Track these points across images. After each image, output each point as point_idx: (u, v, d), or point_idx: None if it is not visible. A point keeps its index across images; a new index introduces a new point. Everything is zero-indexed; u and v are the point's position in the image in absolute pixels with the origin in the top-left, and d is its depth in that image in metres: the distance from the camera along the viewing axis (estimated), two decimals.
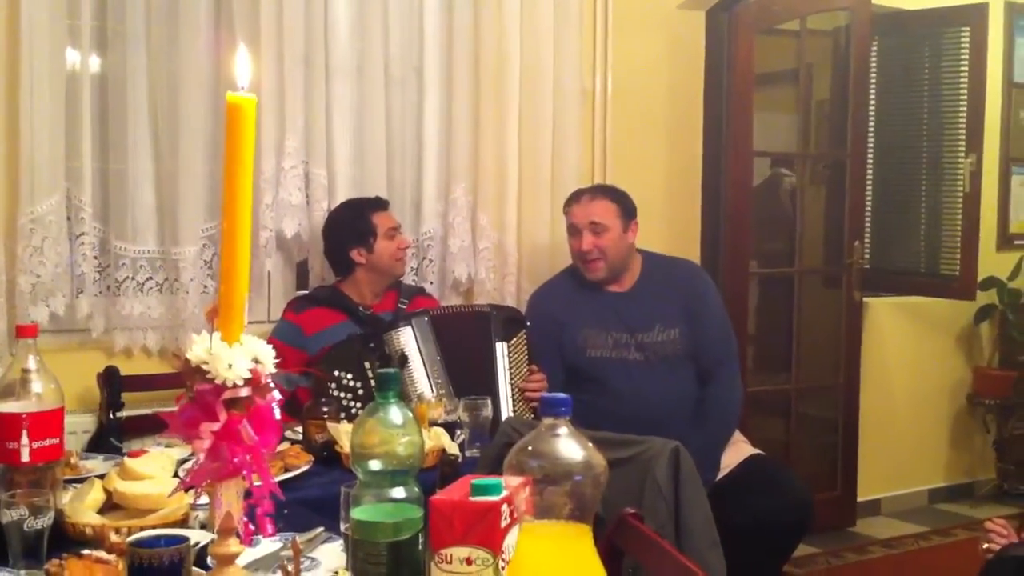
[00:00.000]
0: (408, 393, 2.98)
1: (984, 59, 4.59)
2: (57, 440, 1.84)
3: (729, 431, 3.33)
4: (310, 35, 3.40)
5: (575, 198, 3.44)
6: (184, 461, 2.21)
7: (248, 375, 1.22)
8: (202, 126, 3.24)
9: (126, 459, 2.05)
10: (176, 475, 2.05)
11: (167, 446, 2.40)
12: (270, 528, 1.28)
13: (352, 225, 3.32)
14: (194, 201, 3.25)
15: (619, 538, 1.72)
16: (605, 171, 4.06)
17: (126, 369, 3.15)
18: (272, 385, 1.26)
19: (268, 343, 1.27)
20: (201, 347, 1.21)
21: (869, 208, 4.80)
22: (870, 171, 4.78)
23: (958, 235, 4.68)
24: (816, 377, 4.79)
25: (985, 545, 2.57)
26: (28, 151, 3.00)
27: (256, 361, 1.23)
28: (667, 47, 4.25)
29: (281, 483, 1.60)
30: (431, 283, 3.70)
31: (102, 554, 1.59)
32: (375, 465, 1.36)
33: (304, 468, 2.38)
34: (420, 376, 3.07)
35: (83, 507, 1.85)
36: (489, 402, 2.80)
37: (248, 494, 1.27)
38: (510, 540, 1.25)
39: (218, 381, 1.21)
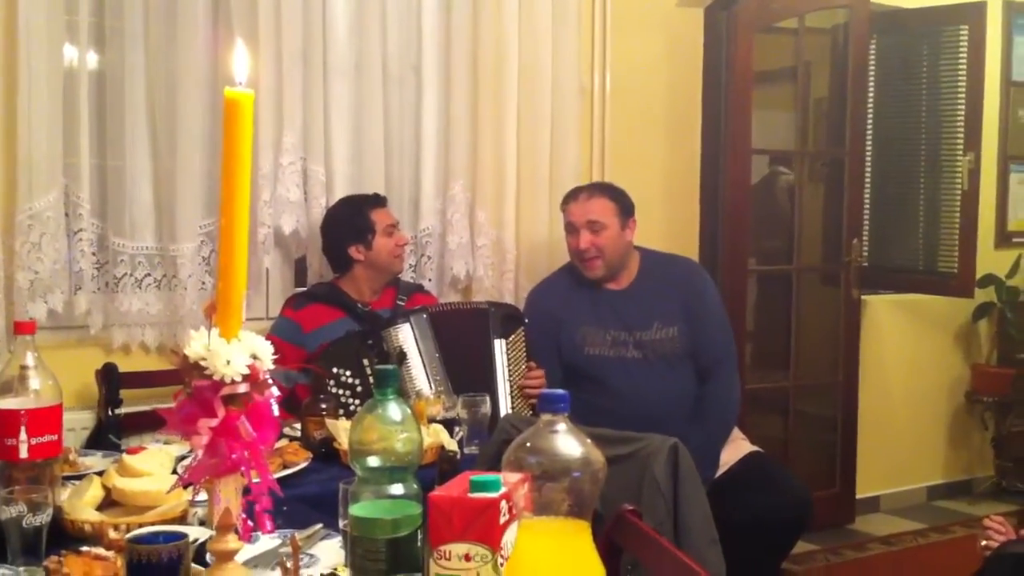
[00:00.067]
0: (407, 390, 2.98)
1: (982, 57, 4.59)
2: (55, 437, 1.84)
3: (728, 429, 3.33)
4: (308, 32, 3.40)
5: (573, 196, 3.44)
6: (183, 458, 2.20)
7: (246, 371, 1.22)
8: (200, 123, 3.24)
9: (125, 456, 2.06)
10: (175, 472, 2.05)
11: (166, 443, 2.41)
12: (269, 525, 1.28)
13: (350, 222, 3.32)
14: (192, 198, 3.25)
15: (617, 535, 1.72)
16: (603, 169, 4.06)
17: (124, 366, 3.15)
18: (270, 381, 1.26)
19: (267, 340, 1.27)
20: (199, 343, 1.21)
21: (867, 206, 4.80)
22: (868, 169, 4.78)
23: (956, 233, 4.68)
24: (815, 375, 4.79)
25: (983, 542, 2.57)
26: (26, 148, 3.00)
27: (254, 357, 1.23)
28: (666, 45, 4.25)
29: (280, 480, 1.60)
30: (429, 280, 3.70)
31: (101, 551, 1.59)
32: (374, 462, 1.36)
33: (303, 465, 2.38)
34: (419, 373, 3.07)
35: (82, 504, 1.85)
36: (487, 399, 2.81)
37: (247, 490, 1.27)
38: (509, 536, 1.25)
39: (216, 377, 1.21)
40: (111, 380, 3.06)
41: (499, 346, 3.16)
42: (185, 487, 1.64)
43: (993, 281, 5.10)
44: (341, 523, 1.71)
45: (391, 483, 1.36)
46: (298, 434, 2.64)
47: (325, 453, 2.51)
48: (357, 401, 2.93)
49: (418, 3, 3.61)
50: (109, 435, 2.92)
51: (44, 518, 1.63)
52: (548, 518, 1.16)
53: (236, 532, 1.27)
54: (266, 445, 1.26)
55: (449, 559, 1.24)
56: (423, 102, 3.63)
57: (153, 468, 1.99)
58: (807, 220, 4.71)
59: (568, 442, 1.18)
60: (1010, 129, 5.26)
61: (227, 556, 1.28)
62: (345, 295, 3.31)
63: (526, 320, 3.29)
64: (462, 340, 3.15)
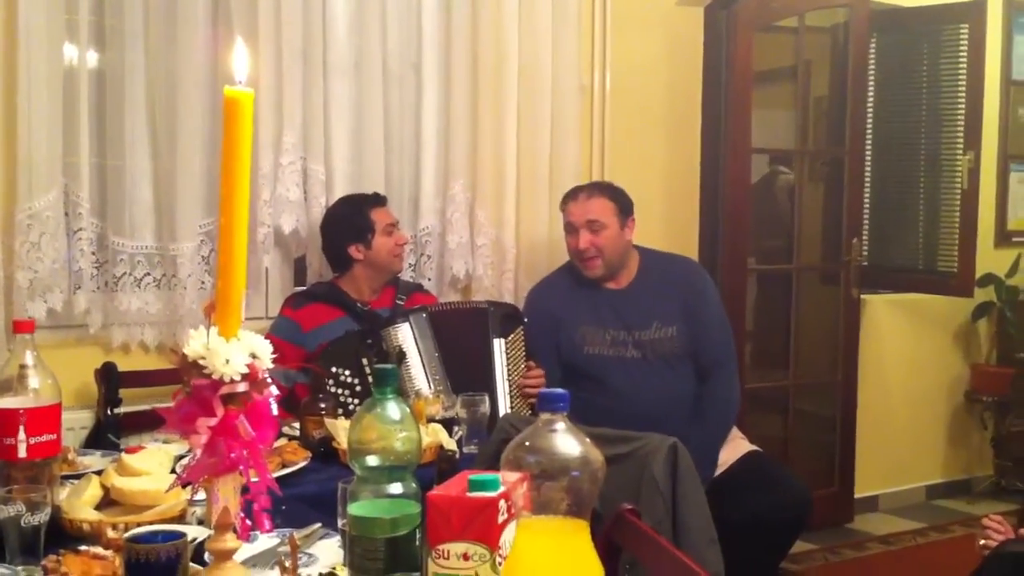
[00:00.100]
0: (406, 389, 2.98)
1: (982, 56, 4.59)
2: (54, 436, 1.84)
3: (727, 428, 3.34)
4: (308, 31, 3.39)
5: (572, 196, 3.43)
6: (182, 457, 2.20)
7: (245, 370, 1.22)
8: (200, 123, 3.24)
9: (124, 455, 2.06)
10: (174, 471, 2.05)
11: (165, 442, 2.41)
12: (267, 524, 1.28)
13: (350, 221, 3.32)
14: (192, 197, 3.25)
15: (616, 534, 1.72)
16: (603, 168, 4.06)
17: (124, 365, 3.15)
18: (269, 380, 1.26)
19: (266, 339, 1.27)
20: (198, 342, 1.21)
21: (867, 205, 4.80)
22: (868, 168, 4.78)
23: (956, 232, 4.68)
24: (814, 374, 4.79)
25: (982, 541, 2.57)
26: (26, 147, 2.99)
27: (253, 356, 1.23)
28: (665, 44, 4.25)
29: (278, 479, 1.60)
30: (429, 279, 3.70)
31: (99, 550, 1.59)
32: (373, 461, 1.36)
33: (301, 464, 2.38)
34: (418, 372, 3.07)
35: (80, 503, 1.85)
36: (487, 398, 2.81)
37: (245, 490, 1.27)
38: (507, 536, 1.25)
39: (215, 376, 1.21)
40: (110, 379, 3.06)
41: (498, 345, 3.16)
42: (184, 486, 1.64)
43: (993, 280, 5.10)
44: (340, 522, 1.71)
45: (390, 482, 1.36)
46: (297, 433, 2.64)
47: (324, 452, 2.51)
48: (356, 400, 2.93)
49: (418, 2, 3.61)
50: (108, 434, 2.92)
51: (42, 517, 1.63)
52: (547, 517, 1.16)
53: (234, 531, 1.27)
54: (265, 444, 1.26)
55: (447, 558, 1.24)
56: (423, 101, 3.63)
57: (152, 467, 1.99)
58: (807, 219, 4.71)
59: (567, 441, 1.18)
60: (1010, 128, 5.26)
61: (225, 555, 1.28)
62: (344, 294, 3.31)
63: (525, 319, 3.28)
64: (461, 339, 3.15)
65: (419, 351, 3.09)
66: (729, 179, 4.27)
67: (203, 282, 3.31)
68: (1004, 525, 2.59)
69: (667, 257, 3.55)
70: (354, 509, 1.36)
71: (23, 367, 1.85)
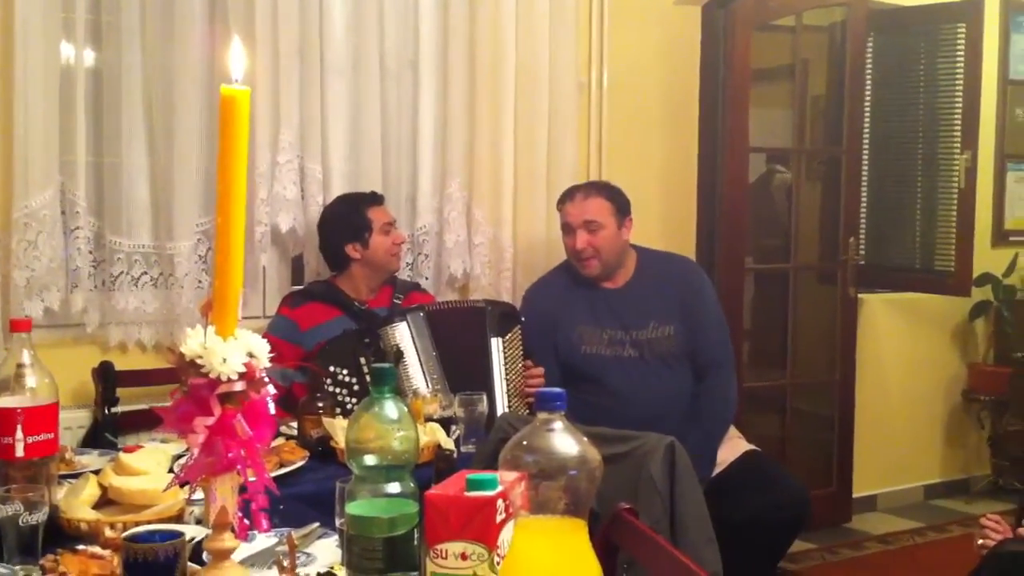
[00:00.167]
0: (403, 388, 2.98)
1: (980, 55, 4.59)
2: (52, 435, 1.84)
3: (725, 427, 3.34)
4: (305, 29, 3.39)
5: (569, 196, 3.43)
6: (180, 456, 2.20)
7: (242, 369, 1.22)
8: (197, 121, 3.23)
9: (121, 454, 2.06)
10: (171, 470, 2.05)
11: (162, 441, 2.41)
12: (265, 523, 1.28)
13: (347, 220, 3.32)
14: (189, 196, 3.25)
15: (614, 533, 1.72)
16: (601, 166, 4.06)
17: (121, 364, 3.14)
18: (267, 380, 1.25)
19: (263, 338, 1.27)
20: (196, 341, 1.21)
21: (864, 204, 4.80)
22: (865, 167, 4.78)
23: (953, 231, 4.68)
24: (811, 373, 4.79)
25: (980, 541, 2.58)
26: (22, 145, 2.99)
27: (251, 355, 1.23)
28: (663, 43, 4.25)
29: (276, 478, 1.60)
30: (426, 278, 3.70)
31: (97, 549, 1.59)
32: (370, 460, 1.36)
33: (299, 463, 2.38)
34: (415, 371, 3.07)
35: (78, 503, 1.85)
36: (484, 397, 2.80)
37: (243, 489, 1.27)
38: (505, 535, 1.25)
39: (212, 376, 1.20)
40: (107, 378, 3.06)
41: (496, 344, 3.16)
42: (181, 486, 1.63)
43: (990, 280, 5.10)
44: (338, 522, 1.71)
45: (388, 482, 1.36)
46: (295, 433, 2.64)
47: (322, 452, 2.50)
48: (354, 399, 2.92)
49: (415, 0, 3.60)
50: (105, 433, 2.91)
51: (40, 517, 1.63)
52: (545, 517, 1.16)
53: (232, 531, 1.27)
54: (262, 443, 1.25)
55: (446, 558, 1.24)
56: (420, 100, 3.63)
57: (149, 467, 1.99)
58: (804, 218, 4.71)
59: (565, 441, 1.18)
60: (1007, 127, 5.27)
61: (223, 555, 1.27)
62: (342, 293, 3.31)
63: (523, 319, 3.28)
64: (459, 339, 3.15)
65: (417, 350, 3.09)
66: (726, 178, 4.27)
67: (200, 281, 3.31)
68: (1002, 524, 2.60)
69: (664, 256, 3.55)
70: (352, 508, 1.35)
71: (20, 366, 1.84)
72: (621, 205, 3.39)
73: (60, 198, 3.09)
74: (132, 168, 3.20)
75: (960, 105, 4.61)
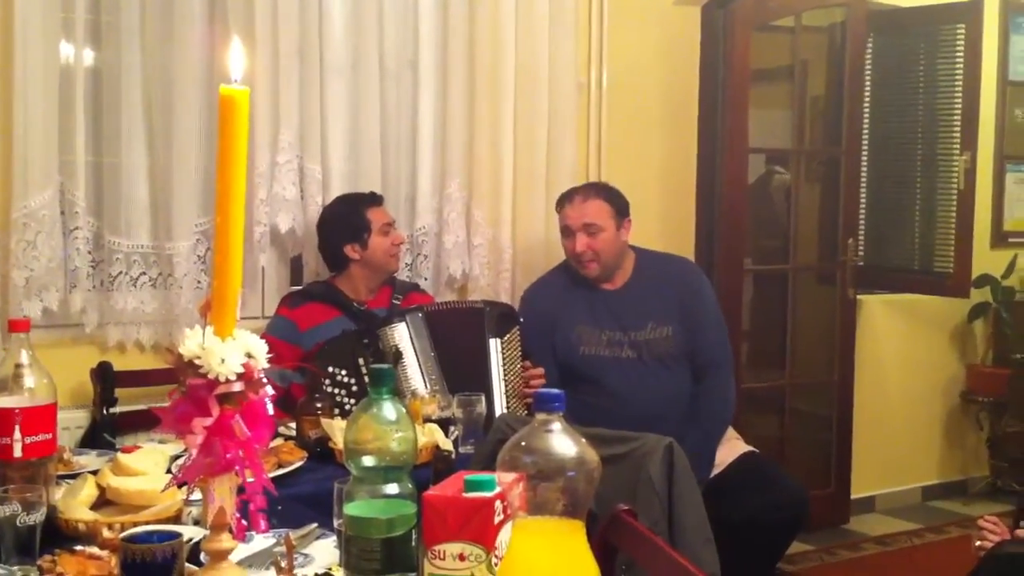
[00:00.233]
0: (402, 389, 2.98)
1: (979, 56, 4.59)
2: (50, 435, 1.84)
3: (723, 428, 3.34)
4: (305, 29, 3.39)
5: (568, 198, 3.42)
6: (178, 457, 2.20)
7: (241, 370, 1.22)
8: (196, 121, 3.23)
9: (119, 455, 2.05)
10: (169, 471, 2.05)
11: (161, 442, 2.40)
12: (263, 524, 1.28)
13: (346, 221, 3.32)
14: (188, 196, 3.25)
15: (612, 534, 1.71)
16: (600, 167, 4.06)
17: (119, 364, 3.14)
18: (265, 380, 1.25)
19: (262, 339, 1.27)
20: (194, 342, 1.21)
21: (863, 205, 4.80)
22: (865, 168, 4.78)
23: (952, 232, 4.68)
24: (810, 374, 4.79)
25: (978, 542, 2.58)
26: (22, 145, 2.99)
27: (249, 356, 1.23)
28: (663, 43, 4.25)
29: (274, 479, 1.60)
30: (425, 279, 3.70)
31: (95, 550, 1.59)
32: (369, 461, 1.35)
33: (297, 464, 2.38)
34: (414, 372, 3.07)
35: (76, 503, 1.85)
36: (483, 398, 2.80)
37: (241, 490, 1.27)
38: (503, 536, 1.25)
39: (211, 376, 1.21)
40: (106, 379, 3.06)
41: (494, 345, 3.16)
42: (179, 486, 1.64)
43: (989, 281, 5.10)
44: (336, 522, 1.71)
45: (386, 482, 1.36)
46: (293, 433, 2.63)
47: (320, 452, 2.50)
48: (352, 400, 2.92)
49: (415, 0, 3.60)
50: (104, 434, 2.91)
51: (38, 517, 1.63)
52: (543, 518, 1.16)
53: (230, 531, 1.27)
54: (261, 444, 1.25)
55: (444, 559, 1.24)
56: (420, 100, 3.63)
57: (148, 467, 1.98)
58: (803, 219, 4.71)
59: (563, 442, 1.18)
60: (1006, 128, 5.27)
61: (221, 555, 1.27)
62: (341, 294, 3.31)
63: (521, 319, 3.28)
64: (457, 339, 3.15)
65: (415, 351, 3.08)
66: (726, 178, 4.27)
67: (199, 281, 3.31)
68: (1000, 526, 2.60)
69: (663, 257, 3.55)
70: (350, 509, 1.35)
71: (19, 366, 1.84)
72: (620, 207, 3.39)
73: (59, 198, 3.08)
74: (131, 168, 3.20)
75: (959, 106, 4.61)
